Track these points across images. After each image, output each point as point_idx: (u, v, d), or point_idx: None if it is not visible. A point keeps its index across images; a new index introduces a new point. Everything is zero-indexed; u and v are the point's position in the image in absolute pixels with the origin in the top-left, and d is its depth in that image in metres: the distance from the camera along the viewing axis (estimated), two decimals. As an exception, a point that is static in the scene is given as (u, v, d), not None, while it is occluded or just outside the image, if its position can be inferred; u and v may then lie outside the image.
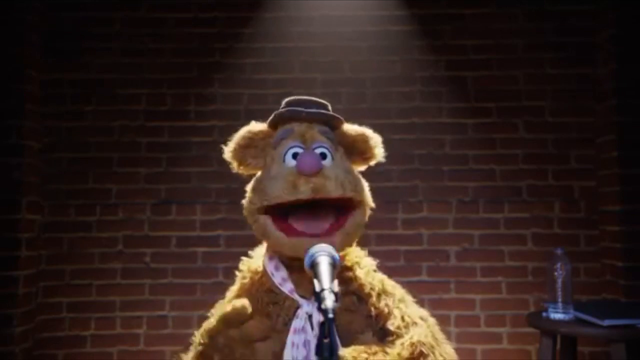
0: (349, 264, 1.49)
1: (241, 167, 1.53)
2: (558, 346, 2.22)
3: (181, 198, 2.90)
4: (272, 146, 1.47)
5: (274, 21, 2.97)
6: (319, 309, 0.95)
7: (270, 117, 1.49)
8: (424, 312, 1.49)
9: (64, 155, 2.90)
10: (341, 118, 1.50)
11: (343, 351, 1.23)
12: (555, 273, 2.11)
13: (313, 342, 1.27)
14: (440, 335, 1.44)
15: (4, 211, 2.65)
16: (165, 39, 2.97)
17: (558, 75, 2.93)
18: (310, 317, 1.33)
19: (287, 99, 1.52)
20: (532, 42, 2.94)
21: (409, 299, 1.52)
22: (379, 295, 1.43)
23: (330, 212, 1.42)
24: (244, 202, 1.49)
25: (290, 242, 1.37)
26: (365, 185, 1.53)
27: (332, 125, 1.50)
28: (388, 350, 1.29)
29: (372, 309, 1.39)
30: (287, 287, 1.39)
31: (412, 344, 1.30)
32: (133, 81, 2.94)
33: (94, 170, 2.90)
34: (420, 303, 2.82)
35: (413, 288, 2.84)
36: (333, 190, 1.36)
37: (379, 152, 1.55)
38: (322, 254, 1.10)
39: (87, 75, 2.94)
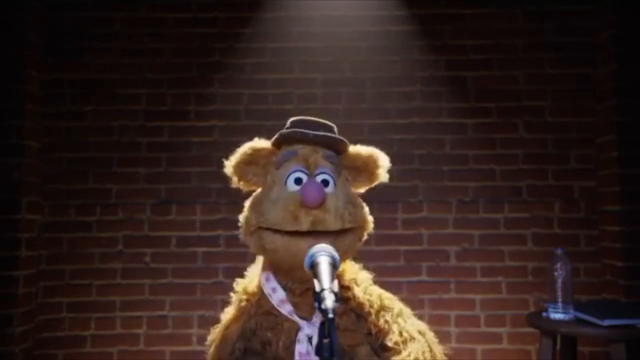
0: (345, 282, 1.46)
1: (241, 183, 1.50)
2: (558, 346, 2.22)
3: (181, 198, 2.90)
4: (274, 165, 1.45)
5: (274, 21, 2.96)
6: (319, 308, 0.95)
7: (275, 137, 1.48)
8: (422, 326, 1.48)
9: (64, 155, 2.90)
10: (347, 142, 1.49)
11: None
12: (555, 273, 2.11)
13: None
14: (438, 349, 1.45)
15: (4, 211, 2.65)
16: (165, 39, 2.97)
17: (558, 75, 2.93)
18: (311, 339, 1.31)
19: (292, 119, 1.51)
20: (532, 42, 2.94)
21: (407, 312, 1.50)
22: (377, 312, 1.42)
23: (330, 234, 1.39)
24: (241, 218, 1.47)
25: (286, 242, 1.36)
26: (366, 209, 1.51)
27: (336, 148, 1.48)
28: None
29: (372, 326, 1.38)
30: (286, 309, 1.37)
31: None
32: (133, 81, 2.94)
33: (94, 170, 2.90)
34: (420, 303, 2.86)
35: (413, 288, 2.87)
36: (332, 224, 1.35)
37: (384, 175, 1.50)
38: (322, 254, 1.10)
39: (87, 75, 2.94)
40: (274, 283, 1.41)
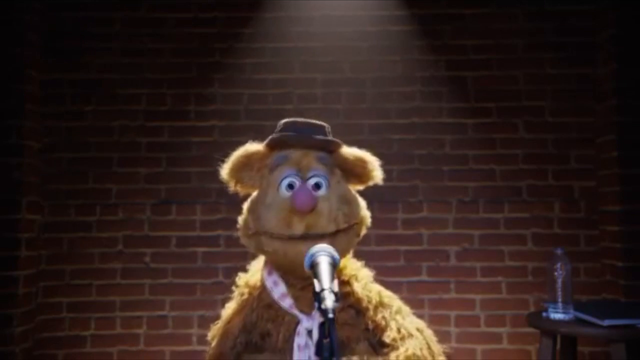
0: (345, 278, 1.49)
1: (238, 186, 1.53)
2: (558, 346, 2.22)
3: (181, 198, 2.90)
4: (268, 169, 1.48)
5: (274, 21, 2.96)
6: (319, 308, 0.95)
7: (267, 140, 1.50)
8: (420, 324, 1.50)
9: (64, 155, 2.90)
10: (338, 142, 1.50)
11: None
12: (555, 273, 2.11)
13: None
14: (437, 347, 1.46)
15: (4, 211, 2.65)
16: (165, 39, 2.96)
17: (558, 75, 2.92)
18: (310, 332, 1.34)
19: (284, 121, 1.52)
20: (532, 42, 2.94)
21: (406, 310, 1.51)
22: (376, 307, 1.44)
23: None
24: (240, 220, 1.51)
25: (284, 247, 1.39)
26: (363, 205, 1.53)
27: (329, 149, 1.49)
28: None
29: (370, 322, 1.40)
30: (287, 302, 1.40)
31: (407, 357, 1.32)
32: (133, 81, 2.94)
33: (94, 170, 2.90)
34: (420, 303, 2.86)
35: (413, 288, 2.87)
36: (326, 227, 1.38)
37: (377, 175, 1.52)
38: (322, 254, 1.10)
39: (87, 75, 2.94)
40: (275, 277, 1.44)
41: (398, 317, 1.44)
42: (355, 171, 1.50)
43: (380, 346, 1.37)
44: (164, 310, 2.83)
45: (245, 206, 1.52)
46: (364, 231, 1.52)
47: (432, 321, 2.79)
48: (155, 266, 2.86)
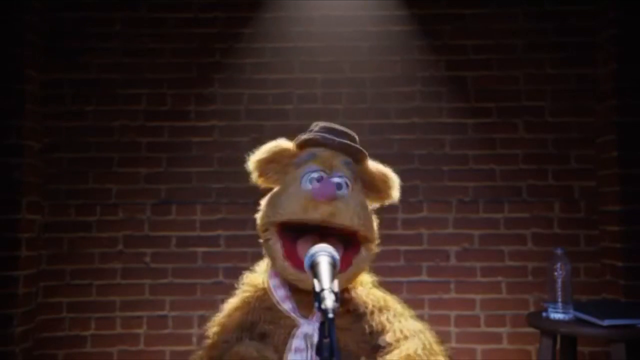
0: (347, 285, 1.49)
1: (261, 179, 1.53)
2: (558, 346, 2.22)
3: (181, 198, 2.90)
4: (294, 165, 1.49)
5: (274, 21, 2.96)
6: (319, 308, 0.95)
7: (300, 139, 1.51)
8: (421, 326, 1.48)
9: (64, 155, 2.90)
10: (366, 153, 1.52)
11: None
12: (555, 273, 2.11)
13: None
14: (438, 348, 1.45)
15: (4, 211, 2.65)
16: (165, 39, 2.96)
17: (558, 75, 2.93)
18: (307, 336, 1.35)
19: (319, 124, 1.55)
20: (532, 42, 2.94)
21: (408, 313, 1.52)
22: (376, 311, 1.45)
23: (339, 245, 1.40)
24: (258, 214, 1.51)
25: (294, 274, 1.38)
26: (375, 223, 1.56)
27: (356, 158, 1.51)
28: None
29: (368, 325, 1.41)
30: (288, 305, 1.41)
31: (406, 356, 1.32)
32: (133, 81, 2.94)
33: (94, 170, 2.90)
34: (420, 303, 2.86)
35: (413, 288, 2.87)
36: (343, 220, 1.38)
37: (395, 195, 1.54)
38: (322, 254, 1.10)
39: (87, 75, 2.94)
40: (279, 280, 1.45)
41: (401, 319, 1.45)
42: (375, 185, 1.52)
43: (379, 348, 1.37)
44: (164, 310, 2.83)
45: (264, 201, 1.52)
46: (375, 250, 1.57)
47: (432, 321, 2.79)
48: (156, 266, 2.86)
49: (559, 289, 2.11)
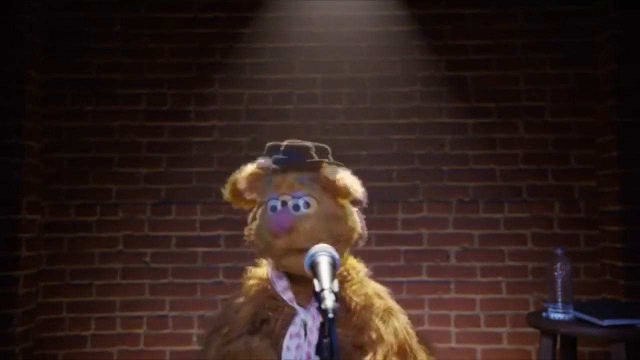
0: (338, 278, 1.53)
1: (240, 204, 1.62)
2: (558, 346, 2.22)
3: (181, 198, 2.90)
4: (262, 187, 1.57)
5: (274, 21, 2.96)
6: (319, 308, 0.95)
7: (255, 164, 1.57)
8: (404, 325, 1.53)
9: (64, 155, 2.90)
10: (317, 162, 1.52)
11: None
12: (555, 273, 2.11)
13: (304, 347, 1.40)
14: (416, 346, 1.52)
15: (4, 211, 2.65)
16: (165, 39, 2.97)
17: (558, 75, 2.93)
18: (305, 323, 1.44)
19: (268, 144, 1.59)
20: (532, 42, 2.94)
21: (395, 310, 1.57)
22: (360, 310, 1.49)
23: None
24: (251, 239, 1.61)
25: (291, 260, 1.47)
26: (355, 216, 1.57)
27: (311, 169, 1.53)
28: None
29: (353, 323, 1.47)
30: (287, 296, 1.50)
31: None
32: (133, 81, 2.94)
33: (94, 170, 2.90)
34: (420, 303, 2.86)
35: (413, 288, 2.87)
36: (303, 243, 1.41)
37: (359, 194, 1.53)
38: (322, 254, 1.10)
39: (87, 75, 2.94)
40: (279, 272, 1.55)
41: (382, 318, 1.50)
42: (337, 192, 1.52)
43: (356, 348, 1.44)
44: (164, 310, 2.83)
45: (250, 218, 1.62)
46: (356, 240, 1.59)
47: (432, 321, 2.82)
48: (156, 266, 2.86)
49: (559, 289, 2.11)
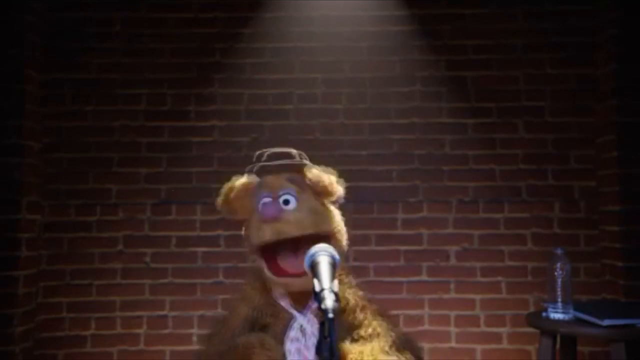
0: None
1: (233, 215, 1.72)
2: (558, 346, 2.22)
3: (181, 198, 2.90)
4: (253, 195, 1.69)
5: (274, 21, 2.96)
6: (319, 308, 0.95)
7: (246, 173, 1.72)
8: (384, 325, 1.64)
9: (64, 155, 2.90)
10: (301, 164, 1.71)
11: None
12: (555, 273, 2.11)
13: (303, 351, 1.50)
14: (410, 346, 1.61)
15: (4, 211, 2.65)
16: (165, 39, 2.96)
17: (558, 75, 2.93)
18: (302, 328, 1.54)
19: (257, 153, 1.77)
20: (532, 42, 2.94)
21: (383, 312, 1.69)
22: (358, 309, 1.63)
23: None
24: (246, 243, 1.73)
25: (281, 281, 1.60)
26: (337, 216, 1.71)
27: (297, 170, 1.70)
28: None
29: (348, 321, 1.60)
30: (284, 302, 1.61)
31: (379, 347, 1.49)
32: (133, 81, 2.94)
33: (94, 170, 2.90)
34: (420, 303, 2.86)
35: (413, 288, 2.88)
36: (293, 231, 1.58)
37: (337, 189, 1.68)
38: (322, 254, 1.10)
39: (87, 75, 2.94)
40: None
41: (376, 318, 1.63)
42: (321, 190, 1.67)
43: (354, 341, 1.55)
44: (164, 310, 2.83)
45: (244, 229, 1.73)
46: (343, 242, 1.70)
47: (432, 321, 2.82)
48: (156, 266, 2.86)
49: (559, 289, 2.11)
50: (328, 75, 2.95)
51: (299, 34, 2.97)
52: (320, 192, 1.67)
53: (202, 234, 2.88)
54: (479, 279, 2.84)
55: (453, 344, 2.79)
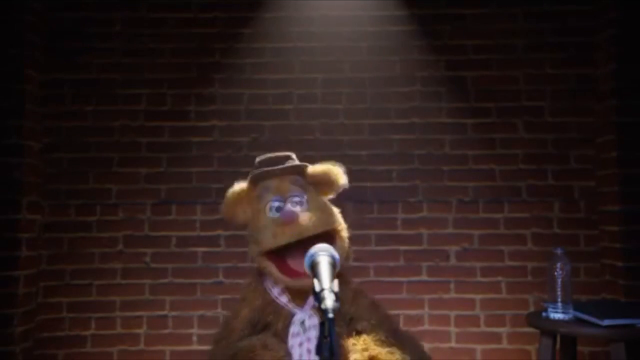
0: None
1: (236, 219, 1.77)
2: (558, 346, 2.22)
3: (181, 198, 2.90)
4: (256, 200, 1.74)
5: (274, 21, 2.97)
6: (319, 308, 0.95)
7: (249, 178, 1.77)
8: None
9: (64, 155, 2.90)
10: (304, 165, 1.78)
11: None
12: (555, 273, 2.11)
13: (306, 344, 1.56)
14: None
15: (4, 211, 2.65)
16: (165, 39, 2.97)
17: (558, 75, 2.93)
18: (303, 322, 1.60)
19: (258, 159, 1.81)
20: (532, 42, 2.94)
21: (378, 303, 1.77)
22: (352, 300, 1.70)
23: None
24: (248, 249, 1.77)
25: (294, 282, 1.63)
26: (336, 212, 1.77)
27: (299, 172, 1.78)
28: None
29: (347, 311, 1.66)
30: (283, 299, 1.66)
31: (378, 339, 1.56)
32: (133, 81, 2.94)
33: (94, 170, 2.90)
34: (420, 303, 2.87)
35: (413, 288, 2.88)
36: (310, 231, 1.63)
37: (343, 182, 1.78)
38: (322, 254, 1.10)
39: (87, 75, 2.94)
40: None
41: (370, 312, 1.70)
42: (323, 182, 1.76)
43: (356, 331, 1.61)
44: (164, 310, 2.83)
45: (248, 235, 1.76)
46: (345, 237, 1.75)
47: (432, 321, 2.82)
48: (156, 266, 2.86)
49: (559, 289, 2.11)
50: (328, 75, 2.95)
51: (299, 34, 2.97)
52: (325, 185, 1.75)
53: (202, 234, 2.88)
54: (479, 279, 2.84)
55: (453, 344, 2.79)
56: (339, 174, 1.77)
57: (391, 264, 2.85)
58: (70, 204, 2.88)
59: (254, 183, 1.76)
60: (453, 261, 2.86)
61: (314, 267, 1.08)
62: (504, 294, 2.83)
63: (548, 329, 2.13)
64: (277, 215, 1.68)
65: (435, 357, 2.74)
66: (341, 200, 1.85)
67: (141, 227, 2.88)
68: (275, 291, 1.68)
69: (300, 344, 1.56)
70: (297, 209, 1.67)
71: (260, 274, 1.75)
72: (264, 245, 1.66)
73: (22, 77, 2.73)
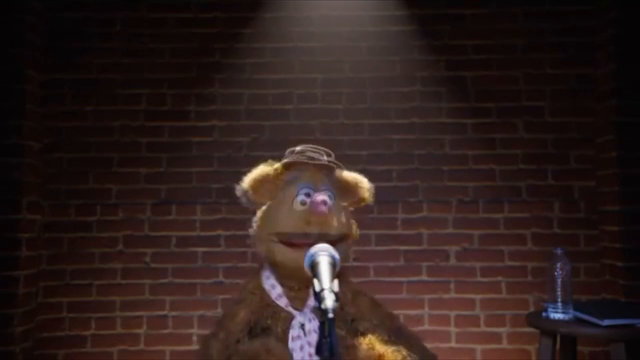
0: None
1: (255, 196, 1.69)
2: (558, 346, 2.22)
3: (181, 198, 2.90)
4: (283, 184, 1.68)
5: (274, 21, 2.97)
6: (319, 308, 0.95)
7: (286, 161, 1.70)
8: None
9: (64, 155, 2.90)
10: (341, 166, 1.75)
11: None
12: (555, 273, 2.11)
13: (307, 347, 1.53)
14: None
15: (4, 211, 2.65)
16: (165, 39, 2.97)
17: (558, 75, 2.93)
18: (303, 325, 1.57)
19: (299, 147, 1.75)
20: (532, 42, 2.94)
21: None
22: (351, 301, 1.67)
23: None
24: (254, 226, 1.71)
25: (294, 254, 1.57)
26: (351, 219, 1.74)
27: (332, 171, 1.73)
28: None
29: (348, 312, 1.63)
30: (283, 302, 1.61)
31: (380, 339, 1.54)
32: (133, 81, 2.94)
33: (94, 170, 2.90)
34: (420, 303, 2.86)
35: (413, 288, 2.88)
36: (335, 229, 1.62)
37: (369, 197, 1.76)
38: (322, 254, 1.10)
39: (87, 75, 2.94)
40: (272, 280, 1.65)
41: (371, 312, 1.68)
42: (350, 191, 1.74)
43: (359, 332, 1.59)
44: (164, 310, 2.83)
45: (259, 214, 1.72)
46: (355, 233, 1.75)
47: (432, 321, 2.82)
48: (156, 266, 2.86)
49: (559, 289, 2.11)
50: (328, 75, 2.96)
51: (299, 34, 2.97)
52: (349, 193, 1.73)
53: (202, 234, 2.88)
54: (479, 279, 2.84)
55: (453, 344, 2.79)
56: (369, 190, 1.75)
57: (391, 264, 2.85)
58: (70, 204, 2.88)
59: (287, 167, 1.71)
60: (453, 261, 2.86)
61: (314, 267, 1.08)
62: (504, 294, 2.83)
63: (548, 329, 2.13)
64: (305, 199, 1.63)
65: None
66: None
67: (141, 227, 2.88)
68: (274, 293, 1.63)
69: (301, 347, 1.54)
70: (328, 201, 1.62)
71: (261, 267, 1.70)
72: (285, 227, 1.61)
73: (22, 77, 2.73)
